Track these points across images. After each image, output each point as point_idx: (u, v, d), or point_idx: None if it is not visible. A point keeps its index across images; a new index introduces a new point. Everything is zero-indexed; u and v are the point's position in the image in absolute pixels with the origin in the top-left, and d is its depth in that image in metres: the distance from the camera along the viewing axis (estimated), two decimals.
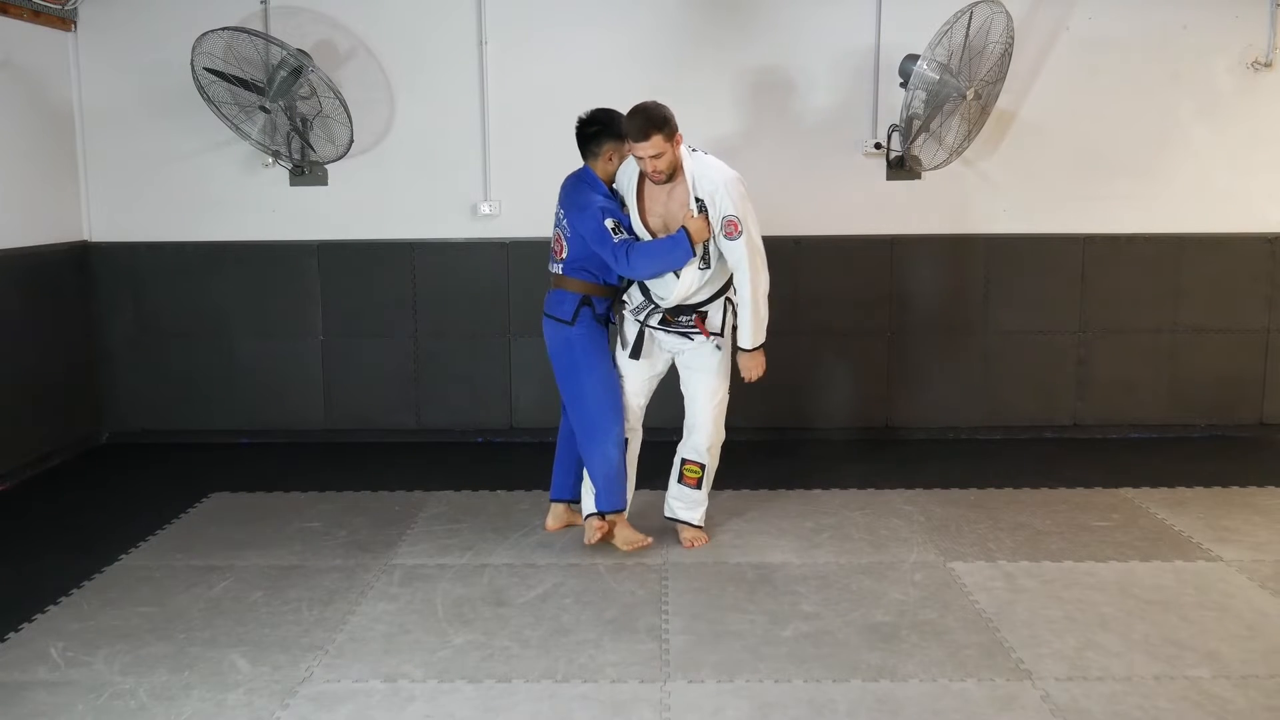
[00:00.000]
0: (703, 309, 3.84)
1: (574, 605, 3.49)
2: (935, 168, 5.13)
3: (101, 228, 5.50)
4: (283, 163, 5.28)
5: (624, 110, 3.69)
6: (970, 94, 4.77)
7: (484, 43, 5.30)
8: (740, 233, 3.65)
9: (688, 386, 3.99)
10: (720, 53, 5.32)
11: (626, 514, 3.98)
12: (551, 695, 2.91)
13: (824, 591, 3.58)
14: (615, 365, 3.95)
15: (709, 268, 3.74)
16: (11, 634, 3.29)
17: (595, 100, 5.26)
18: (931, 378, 5.56)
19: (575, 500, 4.10)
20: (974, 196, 5.43)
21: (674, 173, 3.68)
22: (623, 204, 3.83)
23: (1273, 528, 4.15)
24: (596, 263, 3.83)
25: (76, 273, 5.41)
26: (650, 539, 3.96)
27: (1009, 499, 4.53)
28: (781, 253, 5.40)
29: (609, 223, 3.75)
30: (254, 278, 5.51)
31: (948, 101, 4.84)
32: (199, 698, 2.91)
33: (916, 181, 5.37)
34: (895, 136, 5.22)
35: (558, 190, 3.94)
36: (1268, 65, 5.31)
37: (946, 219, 5.44)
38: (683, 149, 3.69)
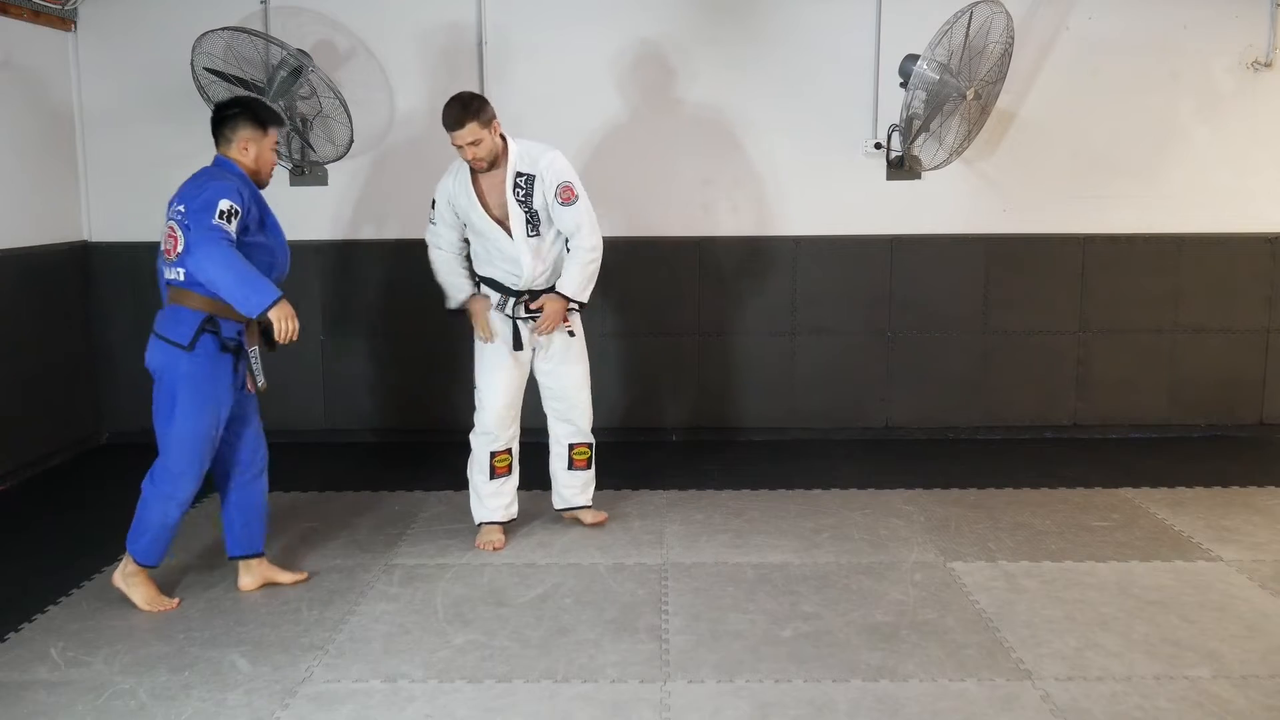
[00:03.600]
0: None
1: (574, 605, 3.49)
2: (935, 168, 5.13)
3: (101, 228, 5.50)
4: (283, 163, 5.27)
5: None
6: (970, 94, 4.77)
7: (484, 43, 5.30)
8: (576, 196, 3.77)
9: (557, 379, 4.04)
10: (720, 52, 5.32)
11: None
12: (551, 695, 2.91)
13: (824, 591, 3.58)
14: (223, 406, 3.37)
15: (538, 235, 3.83)
16: (11, 634, 3.29)
17: (595, 99, 5.32)
18: (931, 378, 5.56)
19: (258, 554, 3.64)
20: (974, 196, 5.43)
21: (496, 160, 3.75)
22: (445, 206, 3.91)
23: (1273, 528, 4.15)
24: None
25: (76, 273, 5.41)
26: (176, 601, 3.49)
27: (1009, 499, 4.53)
28: (781, 253, 5.45)
29: (224, 203, 3.19)
30: None
31: (948, 101, 4.84)
32: (199, 698, 2.91)
33: (916, 181, 5.37)
34: (895, 136, 5.22)
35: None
36: (1268, 65, 5.31)
37: (946, 219, 5.44)
38: (507, 137, 3.79)
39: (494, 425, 3.95)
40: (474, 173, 3.83)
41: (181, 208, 3.27)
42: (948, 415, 5.59)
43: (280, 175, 5.35)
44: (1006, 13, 4.66)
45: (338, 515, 4.38)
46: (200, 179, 3.34)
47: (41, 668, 3.08)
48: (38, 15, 5.03)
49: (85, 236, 5.48)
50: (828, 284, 5.48)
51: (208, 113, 4.96)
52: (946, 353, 5.54)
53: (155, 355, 3.35)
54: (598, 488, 4.32)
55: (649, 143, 5.36)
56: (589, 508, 4.23)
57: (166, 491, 3.37)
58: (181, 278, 3.31)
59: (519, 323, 3.93)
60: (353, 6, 5.28)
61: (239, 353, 3.39)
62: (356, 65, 5.30)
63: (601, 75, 5.31)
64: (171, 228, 3.31)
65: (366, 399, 5.56)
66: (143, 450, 5.45)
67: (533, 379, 4.08)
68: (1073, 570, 3.74)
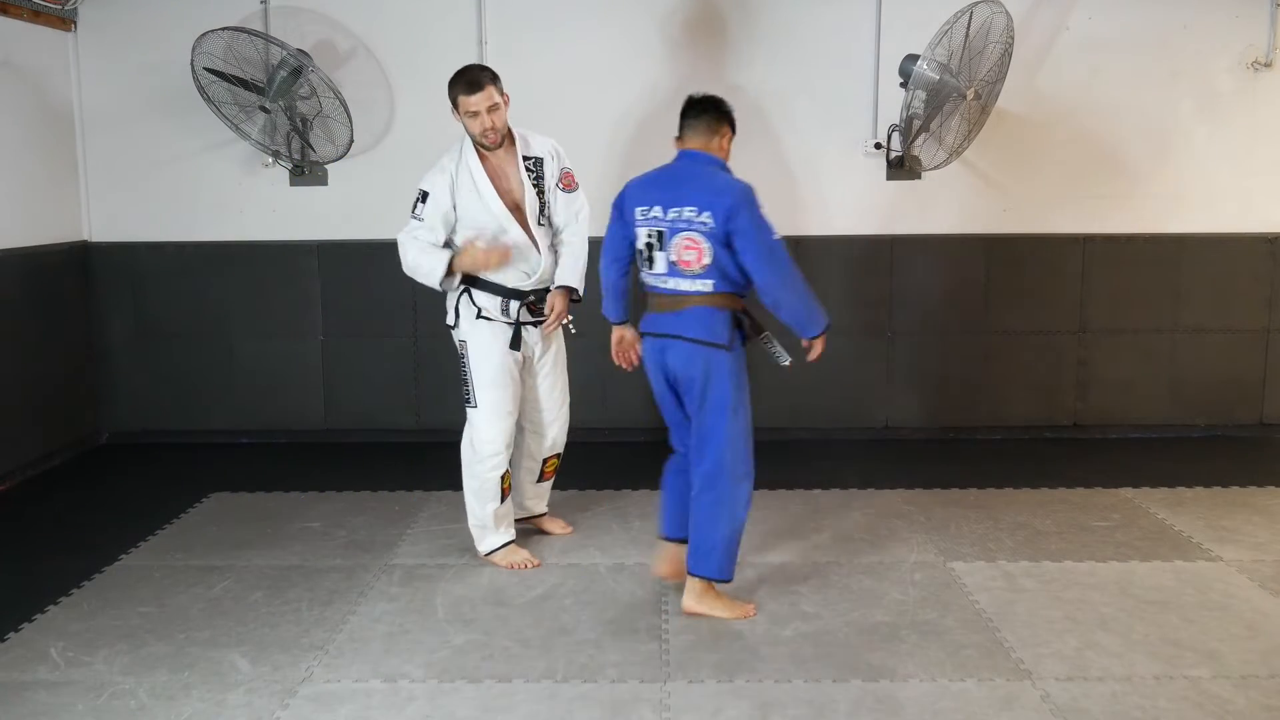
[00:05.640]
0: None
1: (574, 605, 3.49)
2: (935, 168, 5.13)
3: (101, 228, 5.50)
4: (283, 163, 5.28)
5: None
6: (970, 94, 4.77)
7: (484, 43, 5.30)
8: (577, 184, 3.75)
9: (545, 388, 3.86)
10: (720, 52, 5.32)
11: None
12: (551, 695, 2.91)
13: (824, 591, 3.58)
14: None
15: (546, 225, 3.72)
16: (11, 634, 3.29)
17: (596, 99, 5.32)
18: (931, 378, 5.56)
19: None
20: (974, 196, 5.43)
21: (503, 139, 3.60)
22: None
23: (1273, 528, 4.15)
24: (736, 267, 3.18)
25: (76, 273, 5.41)
26: (754, 605, 3.43)
27: (1009, 499, 4.53)
28: None
29: (761, 203, 3.10)
30: (254, 278, 5.50)
31: (948, 101, 4.84)
32: (199, 698, 2.91)
33: (916, 181, 5.37)
34: (895, 136, 5.22)
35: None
36: (1268, 65, 5.31)
37: (946, 219, 5.44)
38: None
39: (505, 445, 3.71)
40: (481, 156, 3.62)
41: (705, 216, 3.09)
42: (948, 415, 5.59)
43: (280, 175, 5.39)
44: (1006, 13, 4.66)
45: (338, 515, 4.37)
46: (703, 179, 3.19)
47: (41, 668, 3.08)
48: (38, 15, 5.03)
49: (85, 236, 5.48)
50: (829, 284, 5.44)
51: (208, 113, 5.04)
52: (946, 353, 5.54)
53: (689, 360, 3.21)
54: (598, 488, 4.33)
55: (649, 143, 5.33)
56: (548, 514, 4.12)
57: (743, 498, 3.30)
58: (710, 288, 3.16)
59: (522, 327, 3.71)
60: (353, 6, 5.28)
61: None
62: (356, 65, 5.30)
63: (601, 76, 5.31)
64: (693, 239, 3.11)
65: (366, 399, 5.56)
66: (143, 450, 5.51)
67: None
68: (1073, 570, 3.74)
